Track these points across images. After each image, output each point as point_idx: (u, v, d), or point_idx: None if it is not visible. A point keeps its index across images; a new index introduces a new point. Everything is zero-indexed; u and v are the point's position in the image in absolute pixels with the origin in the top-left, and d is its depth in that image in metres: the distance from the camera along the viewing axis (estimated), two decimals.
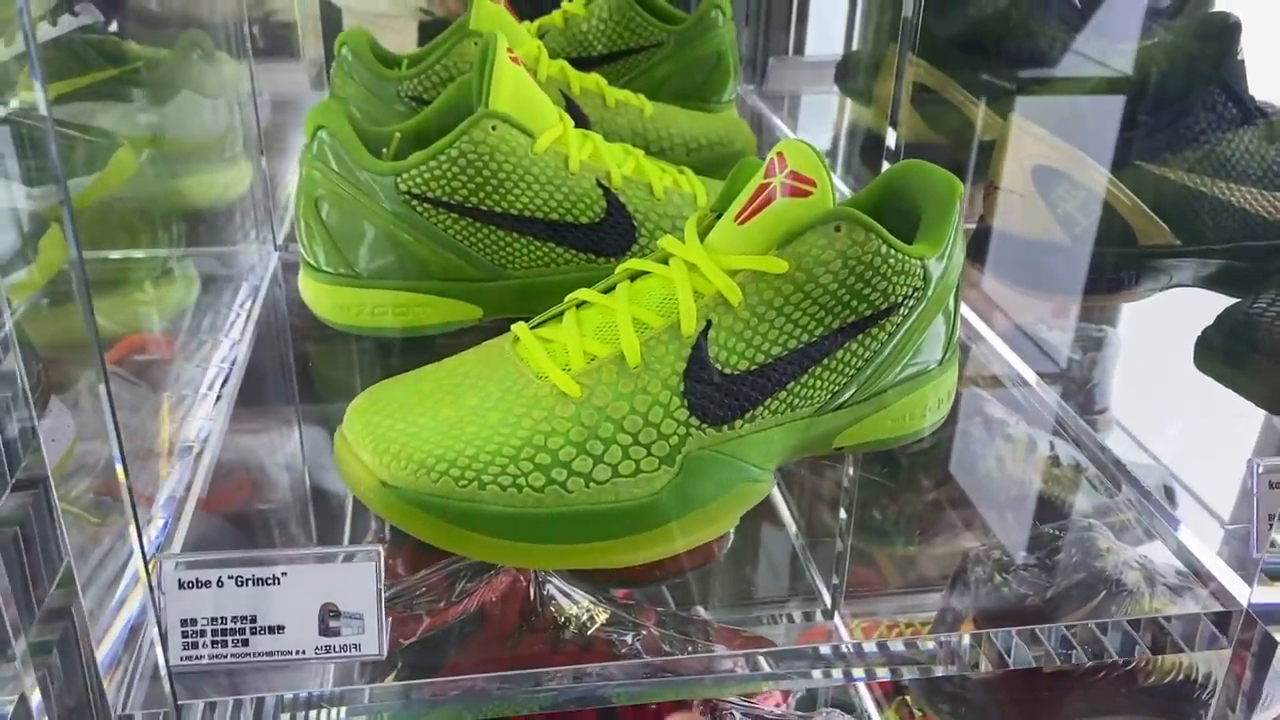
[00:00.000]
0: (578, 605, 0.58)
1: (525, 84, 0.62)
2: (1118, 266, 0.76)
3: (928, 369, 0.53)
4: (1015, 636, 0.51)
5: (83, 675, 0.41)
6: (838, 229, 0.47)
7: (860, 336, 0.49)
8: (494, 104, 0.60)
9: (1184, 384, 0.68)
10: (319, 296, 0.64)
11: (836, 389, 0.50)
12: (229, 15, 0.81)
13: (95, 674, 0.42)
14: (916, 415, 0.54)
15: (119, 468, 0.41)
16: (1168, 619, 0.52)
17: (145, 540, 0.45)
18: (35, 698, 0.38)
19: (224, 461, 0.61)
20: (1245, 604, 0.51)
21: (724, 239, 0.49)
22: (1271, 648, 0.50)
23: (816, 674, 0.50)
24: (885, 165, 0.75)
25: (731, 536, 0.62)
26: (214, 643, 0.42)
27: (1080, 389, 0.79)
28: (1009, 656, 0.51)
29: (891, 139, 0.74)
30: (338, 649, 0.42)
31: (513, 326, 0.51)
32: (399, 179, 0.60)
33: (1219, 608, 0.52)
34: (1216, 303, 0.69)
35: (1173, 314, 0.78)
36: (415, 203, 0.60)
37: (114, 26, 0.67)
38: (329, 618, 0.42)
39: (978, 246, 0.78)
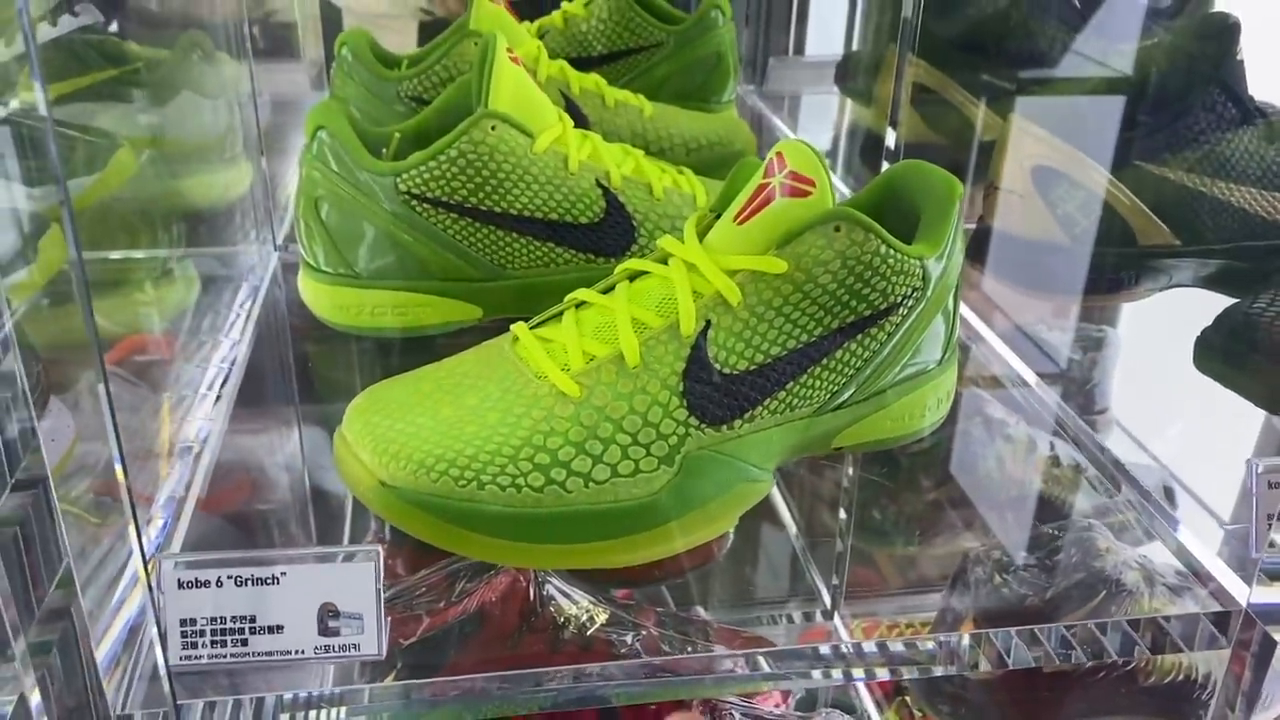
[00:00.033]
0: (577, 605, 0.58)
1: (525, 84, 0.62)
2: (1117, 267, 0.76)
3: (927, 369, 0.53)
4: (1015, 636, 0.51)
5: (82, 675, 0.41)
6: (837, 229, 0.47)
7: (859, 336, 0.49)
8: (494, 104, 0.60)
9: (1184, 384, 0.68)
10: (319, 297, 0.64)
11: (836, 389, 0.50)
12: (229, 16, 0.81)
13: (95, 674, 0.42)
14: (916, 415, 0.54)
15: (119, 468, 0.41)
16: (1167, 619, 0.52)
17: (145, 540, 0.45)
18: (35, 698, 0.38)
19: (224, 462, 0.61)
20: (1244, 604, 0.51)
21: (723, 239, 0.49)
22: (1271, 648, 0.50)
23: (816, 674, 0.50)
24: (885, 165, 0.75)
25: (731, 537, 0.62)
26: (213, 643, 0.42)
27: (1080, 389, 0.79)
28: (1009, 656, 0.51)
29: (891, 139, 0.74)
30: (337, 649, 0.42)
31: (512, 326, 0.51)
32: (399, 179, 0.60)
33: (1218, 608, 0.52)
34: (1216, 303, 0.69)
35: (1172, 314, 0.78)
36: (415, 203, 0.60)
37: (114, 27, 0.67)
38: (328, 618, 0.42)
39: (977, 246, 0.78)
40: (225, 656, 0.42)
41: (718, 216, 0.51)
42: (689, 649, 0.57)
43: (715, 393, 0.47)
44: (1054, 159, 0.74)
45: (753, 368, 0.47)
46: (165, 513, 0.53)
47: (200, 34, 0.74)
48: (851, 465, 0.65)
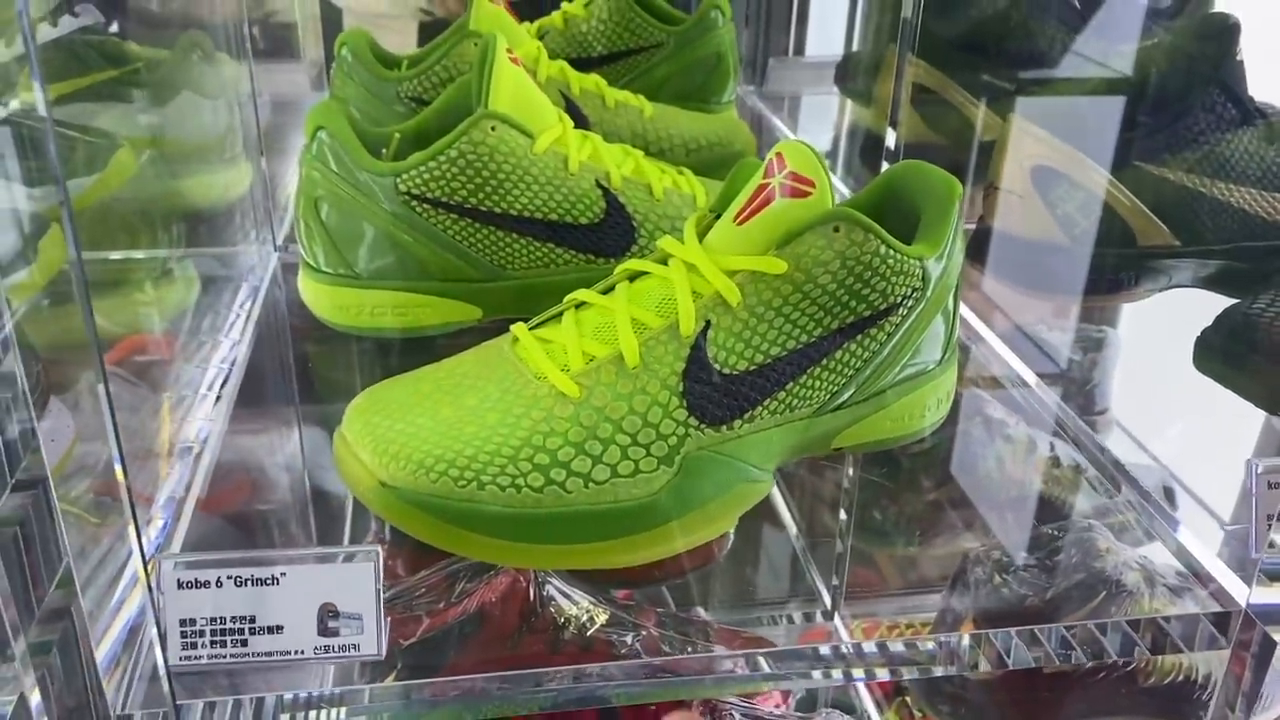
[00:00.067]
0: (577, 606, 0.58)
1: (525, 85, 0.62)
2: (1117, 267, 0.76)
3: (927, 369, 0.53)
4: (1015, 637, 0.51)
5: (82, 675, 0.41)
6: (836, 229, 0.47)
7: (859, 337, 0.49)
8: (493, 105, 0.60)
9: (1184, 384, 0.68)
10: (319, 297, 0.64)
11: (835, 389, 0.50)
12: (229, 16, 0.81)
13: (94, 674, 0.42)
14: (916, 415, 0.54)
15: (118, 468, 0.41)
16: (1167, 619, 0.52)
17: (145, 541, 0.45)
18: (35, 698, 0.38)
19: (223, 462, 0.61)
20: (1244, 604, 0.51)
21: (723, 239, 0.49)
22: (1270, 648, 0.50)
23: (816, 674, 0.50)
24: (885, 166, 0.75)
25: (731, 537, 0.62)
26: (213, 643, 0.42)
27: (1080, 390, 0.79)
28: (1009, 657, 0.51)
29: (891, 139, 0.74)
30: (337, 649, 0.42)
31: (512, 327, 0.51)
32: (398, 179, 0.60)
33: (1218, 608, 0.52)
34: (1216, 303, 0.69)
35: (1172, 314, 0.78)
36: (415, 203, 0.60)
37: (114, 27, 0.68)
38: (328, 618, 0.42)
39: (977, 247, 0.78)
40: (225, 657, 0.42)
41: (717, 217, 0.51)
42: (689, 649, 0.57)
43: (715, 393, 0.47)
44: (1054, 159, 0.74)
45: (752, 368, 0.47)
46: (165, 513, 0.53)
47: (200, 34, 0.74)
48: (851, 466, 0.65)
